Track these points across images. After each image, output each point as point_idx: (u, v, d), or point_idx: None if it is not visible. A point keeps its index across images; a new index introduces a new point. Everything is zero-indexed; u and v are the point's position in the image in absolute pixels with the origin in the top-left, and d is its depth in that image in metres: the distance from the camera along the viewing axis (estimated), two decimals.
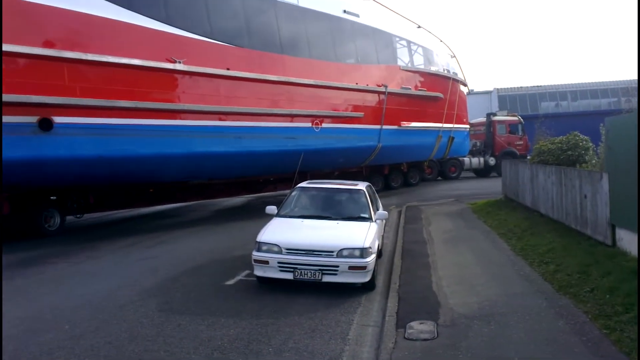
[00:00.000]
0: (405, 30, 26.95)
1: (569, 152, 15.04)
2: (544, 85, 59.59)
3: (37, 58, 13.17)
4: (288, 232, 9.93)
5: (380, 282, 10.23)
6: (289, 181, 19.51)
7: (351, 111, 22.12)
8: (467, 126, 33.55)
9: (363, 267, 9.34)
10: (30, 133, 13.04)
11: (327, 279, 9.32)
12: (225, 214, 21.44)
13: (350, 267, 9.29)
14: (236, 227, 17.25)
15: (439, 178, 34.52)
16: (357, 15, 23.13)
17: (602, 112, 39.08)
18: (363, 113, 22.51)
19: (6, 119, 12.36)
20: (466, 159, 35.26)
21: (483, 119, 38.58)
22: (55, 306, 8.79)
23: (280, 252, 9.37)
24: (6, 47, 12.46)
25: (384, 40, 24.84)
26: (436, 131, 27.86)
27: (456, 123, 30.07)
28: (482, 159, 36.14)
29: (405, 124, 25.07)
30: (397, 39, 26.01)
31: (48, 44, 13.49)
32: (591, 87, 57.97)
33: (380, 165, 26.79)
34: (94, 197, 17.84)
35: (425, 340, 7.09)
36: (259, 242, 9.58)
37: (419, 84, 26.58)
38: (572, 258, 10.43)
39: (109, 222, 18.58)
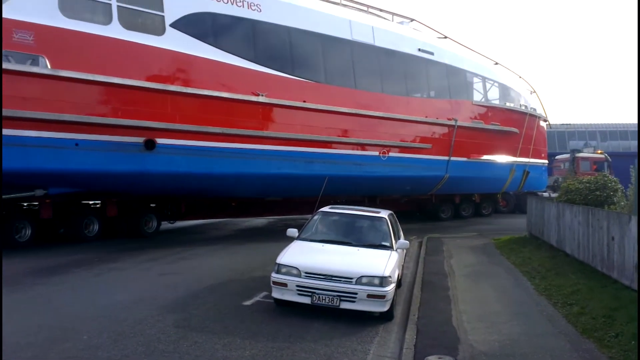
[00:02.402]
0: (481, 67, 29.42)
1: (597, 193, 15.83)
2: (573, 124, 61.08)
3: (146, 90, 17.00)
4: (308, 256, 10.63)
5: (398, 313, 10.84)
6: (359, 204, 23.01)
7: (419, 142, 24.70)
8: (545, 161, 35.21)
9: (382, 296, 9.95)
10: (137, 151, 16.92)
11: (344, 305, 9.93)
12: (246, 234, 22.71)
13: (369, 295, 9.91)
14: (256, 247, 18.36)
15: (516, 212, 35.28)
16: (432, 54, 25.96)
17: (632, 153, 40.11)
18: (431, 144, 25.12)
19: (118, 138, 16.59)
20: (545, 194, 36.29)
21: (567, 155, 39.60)
22: (75, 315, 9.50)
23: (299, 276, 10.01)
24: (121, 81, 16.46)
25: (457, 77, 27.40)
26: (509, 165, 29.80)
27: (533, 157, 31.84)
28: None
29: (475, 156, 27.18)
30: (471, 75, 28.57)
31: (155, 79, 17.31)
32: (621, 128, 59.32)
33: (451, 194, 29.15)
34: (185, 207, 22.02)
35: None
36: (279, 264, 10.24)
37: (492, 119, 28.59)
38: (597, 301, 10.96)
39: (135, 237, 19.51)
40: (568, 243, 15.47)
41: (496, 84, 30.38)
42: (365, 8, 25.19)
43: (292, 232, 11.78)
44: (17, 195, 16.59)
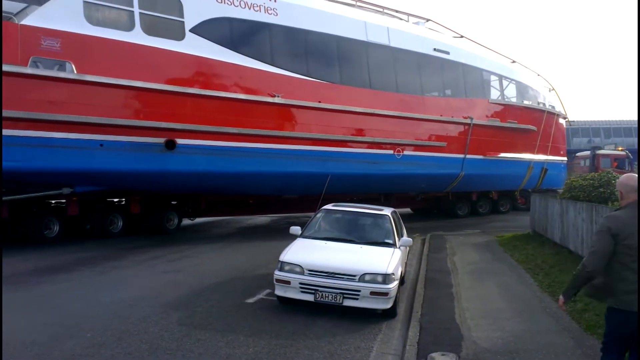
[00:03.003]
0: (498, 65, 28.29)
1: (601, 189, 14.95)
2: (577, 121, 59.27)
3: (167, 93, 16.84)
4: (311, 254, 10.11)
5: (401, 310, 10.32)
6: (375, 201, 23.38)
7: (434, 140, 23.96)
8: (564, 158, 33.80)
9: (385, 293, 9.44)
10: (158, 151, 16.76)
11: (348, 303, 9.44)
12: (249, 231, 21.90)
13: (372, 293, 9.40)
14: (260, 245, 17.66)
15: None
16: (447, 53, 25.12)
17: (636, 150, 38.84)
18: (446, 143, 24.33)
19: (140, 139, 16.46)
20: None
21: (588, 152, 38.31)
22: (79, 314, 9.13)
23: (302, 273, 9.54)
24: (143, 84, 16.41)
25: (473, 75, 26.41)
26: (527, 162, 28.64)
27: (551, 155, 30.65)
28: None
29: (491, 154, 26.19)
30: (488, 73, 27.49)
31: (175, 82, 17.16)
32: (625, 125, 57.61)
33: (468, 191, 28.19)
34: (204, 204, 21.50)
35: None
36: (282, 262, 9.77)
37: (509, 116, 27.55)
38: None
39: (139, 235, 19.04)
40: (572, 240, 14.71)
41: (513, 82, 29.18)
42: (380, 9, 24.56)
43: (295, 229, 11.27)
44: (46, 193, 16.69)
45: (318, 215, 11.80)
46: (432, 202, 28.48)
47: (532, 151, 28.92)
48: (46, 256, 14.45)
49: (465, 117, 25.14)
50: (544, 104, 30.63)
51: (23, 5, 16.74)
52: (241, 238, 19.53)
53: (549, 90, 32.79)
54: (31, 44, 14.99)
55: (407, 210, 29.54)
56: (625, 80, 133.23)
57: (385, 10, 24.77)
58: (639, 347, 5.21)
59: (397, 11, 25.56)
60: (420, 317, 9.70)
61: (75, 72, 15.49)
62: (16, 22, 15.23)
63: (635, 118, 59.15)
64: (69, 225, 17.58)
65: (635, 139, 55.04)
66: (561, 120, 33.21)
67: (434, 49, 24.67)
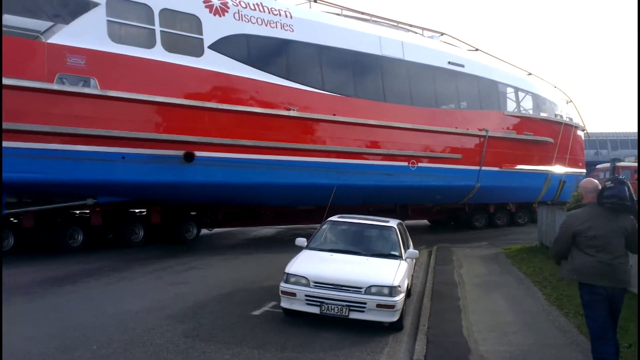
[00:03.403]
0: (514, 77, 27.42)
1: None
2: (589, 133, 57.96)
3: (186, 107, 16.73)
4: (317, 265, 9.69)
5: (408, 323, 9.84)
6: (391, 212, 22.67)
7: (448, 152, 23.26)
8: (583, 170, 32.48)
9: (391, 306, 8.99)
10: (177, 163, 16.58)
11: (354, 315, 9.02)
12: (255, 243, 21.12)
13: (378, 305, 8.97)
14: (265, 257, 17.00)
15: None
16: (462, 66, 24.37)
17: None
18: (461, 155, 23.55)
19: (160, 151, 16.28)
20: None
21: (608, 164, 37.12)
22: (85, 325, 8.78)
23: (307, 285, 9.14)
24: (163, 99, 16.32)
25: (488, 88, 25.57)
26: (544, 174, 27.66)
27: (569, 166, 29.59)
28: None
29: (507, 166, 25.36)
30: (503, 86, 26.60)
31: (194, 97, 17.03)
32: (632, 137, 56.15)
33: (485, 203, 27.25)
34: (222, 215, 21.01)
35: None
36: (287, 274, 9.37)
37: (525, 129, 26.66)
38: None
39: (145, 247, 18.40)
40: None
41: (530, 94, 28.21)
42: (395, 24, 24.06)
43: (301, 241, 10.83)
44: (71, 204, 16.59)
45: (324, 226, 11.36)
46: (449, 213, 27.60)
47: (549, 163, 27.90)
48: (55, 266, 14.14)
49: (480, 130, 24.33)
50: (561, 116, 29.64)
51: (50, 23, 17.00)
52: (247, 250, 18.89)
53: (567, 103, 31.78)
54: (57, 61, 14.97)
55: (424, 222, 28.75)
56: (631, 92, 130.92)
57: (400, 25, 24.31)
58: (639, 343, 6.47)
59: (411, 25, 25.02)
60: (427, 330, 9.23)
61: (98, 87, 15.44)
62: (43, 40, 15.30)
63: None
64: (92, 235, 17.40)
65: None
66: (579, 132, 32.06)
67: (449, 62, 24.01)
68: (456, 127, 23.57)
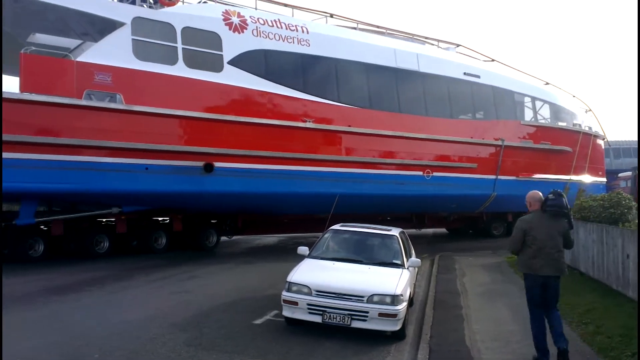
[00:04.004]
0: (531, 87, 26.16)
1: (611, 210, 13.23)
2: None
3: (206, 120, 16.50)
4: (319, 274, 9.15)
5: (410, 332, 9.25)
6: (408, 221, 22.82)
7: (464, 162, 22.30)
8: (603, 179, 30.65)
9: (394, 315, 8.43)
10: (198, 174, 16.25)
11: (356, 324, 8.48)
12: (258, 252, 20.11)
13: (381, 314, 8.42)
14: (267, 266, 16.21)
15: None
16: (478, 76, 23.42)
17: None
18: (477, 164, 22.57)
19: (181, 163, 16.01)
20: None
21: (629, 173, 35.36)
22: (87, 334, 8.37)
23: (309, 294, 8.62)
24: (184, 113, 16.07)
25: (504, 98, 24.44)
26: (562, 183, 25.52)
27: (589, 175, 27.97)
28: None
29: (524, 175, 24.10)
30: (520, 95, 25.44)
31: (213, 110, 16.74)
32: (634, 146, 54.09)
33: (503, 212, 25.91)
34: (241, 223, 20.46)
35: None
36: (289, 282, 8.86)
37: (542, 138, 25.34)
38: (613, 320, 9.13)
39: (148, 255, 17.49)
40: (582, 261, 13.17)
41: (547, 104, 26.78)
42: (410, 36, 23.20)
43: (303, 250, 10.23)
44: (97, 212, 16.46)
45: (326, 235, 10.78)
46: (466, 222, 26.44)
47: (567, 172, 26.25)
48: (58, 275, 13.49)
49: (496, 139, 23.22)
50: (579, 125, 28.09)
51: (79, 41, 17.08)
52: (249, 258, 17.97)
53: (586, 112, 30.09)
54: (86, 78, 14.89)
55: (442, 230, 27.54)
56: (631, 101, 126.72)
57: (415, 37, 23.51)
58: (639, 345, 6.91)
59: (427, 38, 24.11)
60: (429, 339, 8.65)
61: (124, 103, 15.30)
62: (72, 58, 15.20)
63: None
64: (117, 242, 17.13)
65: None
66: (599, 141, 30.38)
67: (464, 73, 23.04)
68: (471, 137, 22.59)
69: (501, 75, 24.77)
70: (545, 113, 26.55)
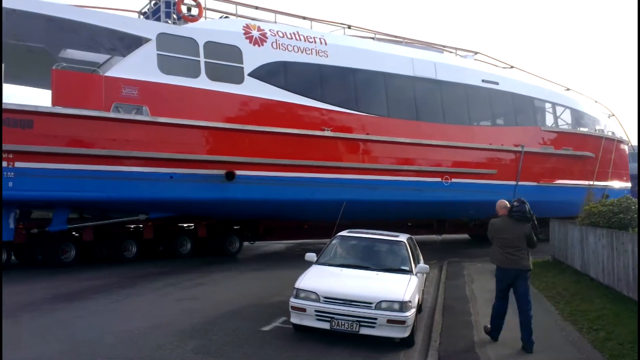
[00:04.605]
0: (551, 93, 24.86)
1: (621, 215, 12.48)
2: None
3: (227, 130, 16.15)
4: (326, 281, 8.70)
5: (419, 339, 8.74)
6: (429, 227, 22.34)
7: (483, 168, 21.18)
8: (627, 184, 28.70)
9: (402, 322, 7.94)
10: (220, 182, 15.83)
11: (364, 331, 8.01)
12: (265, 258, 19.10)
13: (389, 321, 7.93)
14: (275, 272, 15.47)
15: None
16: (497, 83, 22.34)
17: None
18: (496, 170, 21.43)
19: (204, 171, 15.65)
20: None
21: None
22: (93, 342, 7.94)
23: (317, 301, 8.17)
24: (206, 123, 15.72)
25: (524, 104, 23.30)
26: (585, 189, 23.90)
27: (612, 180, 26.45)
28: None
29: (545, 180, 22.88)
30: (540, 101, 24.19)
31: (234, 120, 16.38)
32: None
33: None
34: (263, 229, 19.82)
35: None
36: (297, 289, 8.42)
37: (563, 143, 24.03)
38: (623, 326, 8.52)
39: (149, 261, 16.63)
40: (592, 267, 12.37)
41: (568, 109, 25.34)
42: (427, 45, 22.38)
43: (311, 256, 9.73)
44: (125, 219, 16.27)
45: (333, 241, 10.28)
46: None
47: (590, 177, 24.64)
48: (64, 282, 12.80)
49: (516, 145, 22.06)
50: (602, 130, 26.55)
51: (108, 56, 16.99)
52: (257, 265, 17.14)
53: (609, 116, 28.56)
54: (114, 92, 14.79)
55: (454, 236, 25.96)
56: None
57: (433, 46, 22.69)
58: (639, 347, 6.97)
59: (445, 46, 23.23)
60: (438, 346, 8.16)
61: (149, 114, 15.14)
62: (101, 74, 15.17)
63: None
64: (144, 247, 16.89)
65: None
66: (623, 146, 28.55)
67: (482, 80, 22.01)
68: (490, 143, 21.60)
69: (520, 81, 23.65)
70: (566, 119, 25.24)
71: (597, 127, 26.41)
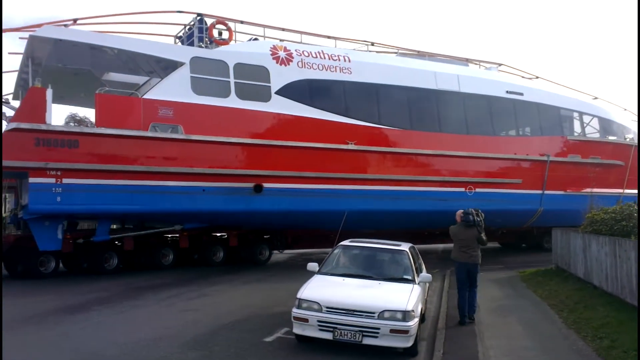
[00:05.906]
0: (577, 102, 22.60)
1: (623, 223, 11.19)
2: None
3: (255, 146, 15.57)
4: (329, 290, 8.03)
5: (422, 348, 7.95)
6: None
7: (508, 178, 19.63)
8: None
9: (405, 331, 7.23)
10: (248, 194, 15.25)
11: (367, 341, 7.33)
12: (267, 269, 17.17)
13: (392, 330, 7.23)
14: (277, 282, 14.26)
15: None
16: (521, 94, 20.54)
17: None
18: (521, 179, 19.77)
19: (234, 184, 15.10)
20: None
21: None
22: (97, 353, 7.32)
23: (320, 311, 7.54)
24: (236, 140, 15.05)
25: (549, 114, 21.32)
26: (614, 197, 21.04)
27: None
28: None
29: (572, 189, 20.80)
30: (566, 111, 22.10)
31: (262, 136, 15.65)
32: None
33: (553, 226, 20.83)
34: (290, 238, 19.20)
35: None
36: (299, 299, 7.82)
37: (591, 152, 21.86)
38: (628, 334, 7.54)
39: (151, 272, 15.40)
40: (595, 275, 11.23)
41: (596, 118, 22.95)
42: (450, 59, 20.86)
43: (313, 266, 9.04)
44: (162, 229, 16.06)
45: (335, 251, 9.60)
46: (515, 236, 22.98)
47: (620, 186, 22.20)
48: (69, 295, 11.71)
49: (541, 154, 20.20)
50: (632, 138, 24.00)
51: (146, 78, 16.72)
52: (259, 275, 15.43)
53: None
54: (151, 113, 14.57)
55: (495, 244, 23.55)
56: None
57: (457, 59, 21.13)
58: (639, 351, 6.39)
59: (468, 59, 21.72)
60: (442, 355, 7.41)
61: (184, 133, 14.87)
62: (139, 96, 15.08)
63: None
64: (181, 255, 16.51)
65: None
66: None
67: (507, 91, 20.26)
68: (515, 153, 19.90)
69: (546, 91, 21.68)
70: (594, 127, 22.98)
71: (627, 135, 24.11)
